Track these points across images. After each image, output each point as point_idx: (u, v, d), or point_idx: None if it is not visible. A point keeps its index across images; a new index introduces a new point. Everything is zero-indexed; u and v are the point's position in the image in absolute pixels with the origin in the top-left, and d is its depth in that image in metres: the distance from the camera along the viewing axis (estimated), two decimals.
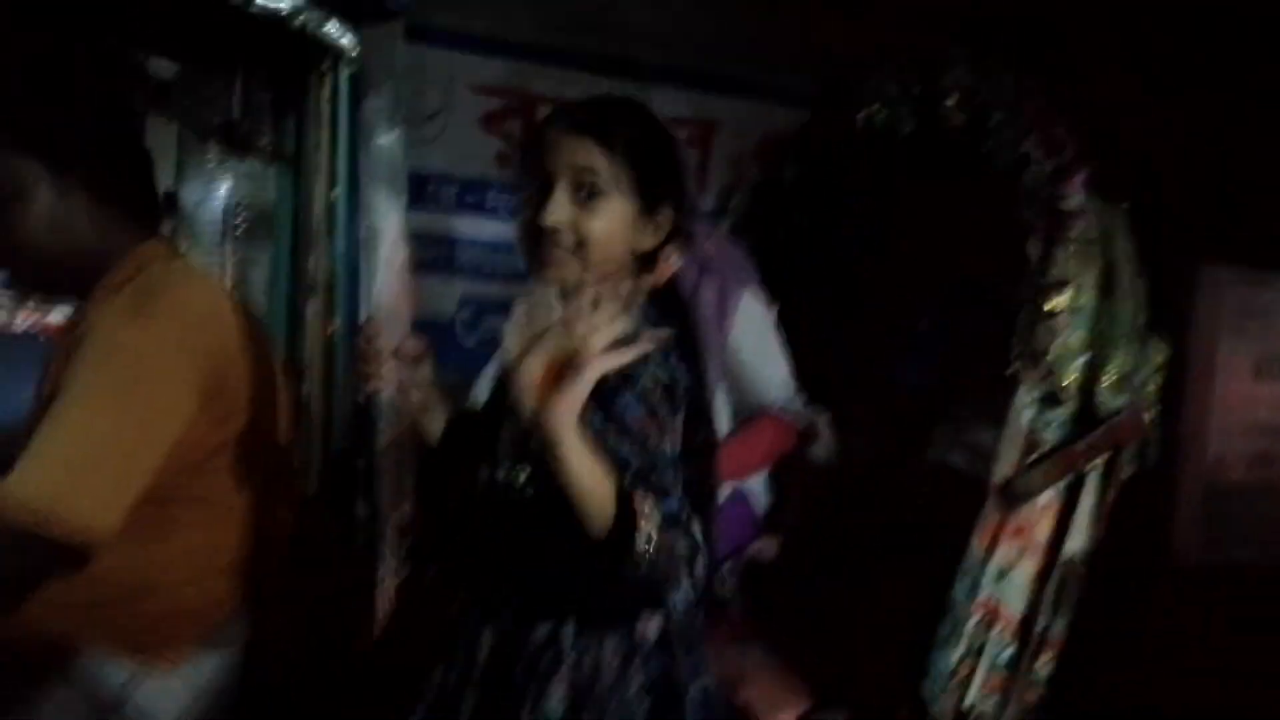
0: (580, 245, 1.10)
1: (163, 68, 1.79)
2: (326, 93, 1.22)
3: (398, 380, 1.01)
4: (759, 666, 1.49)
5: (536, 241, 1.11)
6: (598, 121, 1.13)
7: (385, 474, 1.01)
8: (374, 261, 0.98)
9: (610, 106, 1.17)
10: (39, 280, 1.32)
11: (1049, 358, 1.33)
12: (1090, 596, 1.33)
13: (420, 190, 3.12)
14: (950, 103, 1.54)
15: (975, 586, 1.26)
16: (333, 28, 0.97)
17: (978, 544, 1.27)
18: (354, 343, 1.04)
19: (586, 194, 1.10)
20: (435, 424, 1.24)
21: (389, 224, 0.99)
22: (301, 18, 0.94)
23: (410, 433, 1.03)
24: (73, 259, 1.25)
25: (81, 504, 1.10)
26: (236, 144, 1.52)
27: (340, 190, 1.21)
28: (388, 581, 1.03)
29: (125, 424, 1.14)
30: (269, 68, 1.44)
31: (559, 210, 1.09)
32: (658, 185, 1.16)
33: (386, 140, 0.99)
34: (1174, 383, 1.48)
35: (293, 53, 1.20)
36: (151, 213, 1.36)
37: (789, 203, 1.74)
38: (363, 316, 1.07)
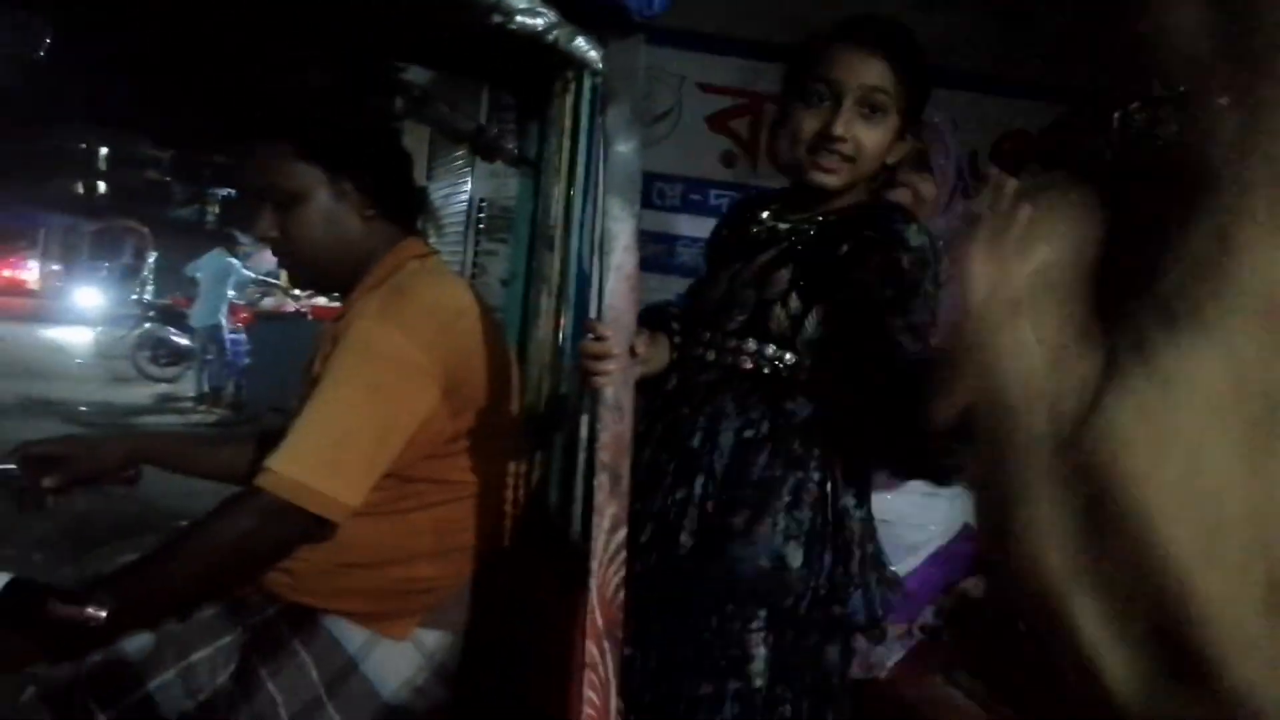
0: (857, 155, 1.26)
1: (418, 75, 1.96)
2: (570, 101, 1.29)
3: (621, 377, 1.06)
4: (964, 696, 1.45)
5: (809, 147, 1.26)
6: (889, 43, 1.27)
7: (602, 470, 1.06)
8: (606, 265, 1.04)
9: (894, 28, 1.30)
10: (314, 275, 1.48)
11: None
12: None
13: (646, 189, 3.23)
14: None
15: None
16: (581, 41, 1.02)
17: None
18: (580, 340, 1.11)
19: (870, 109, 1.25)
20: None
21: (623, 230, 1.04)
22: (554, 34, 1.00)
23: (630, 430, 1.08)
24: (343, 255, 1.41)
25: (333, 484, 1.23)
26: (484, 148, 1.63)
27: (577, 194, 1.28)
28: (597, 578, 1.07)
29: (374, 415, 1.28)
30: (516, 77, 1.55)
31: (847, 123, 1.23)
32: (918, 109, 1.31)
33: (625, 148, 1.04)
34: None
35: (539, 63, 1.27)
36: (410, 212, 1.50)
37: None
38: (591, 316, 1.13)
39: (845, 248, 1.29)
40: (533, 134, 1.58)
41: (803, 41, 1.35)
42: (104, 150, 24.51)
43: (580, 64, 1.06)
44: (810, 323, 1.29)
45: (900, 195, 1.67)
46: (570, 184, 1.31)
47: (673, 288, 3.24)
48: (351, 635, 1.36)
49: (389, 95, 1.62)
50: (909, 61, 1.27)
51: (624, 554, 1.10)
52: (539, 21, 0.99)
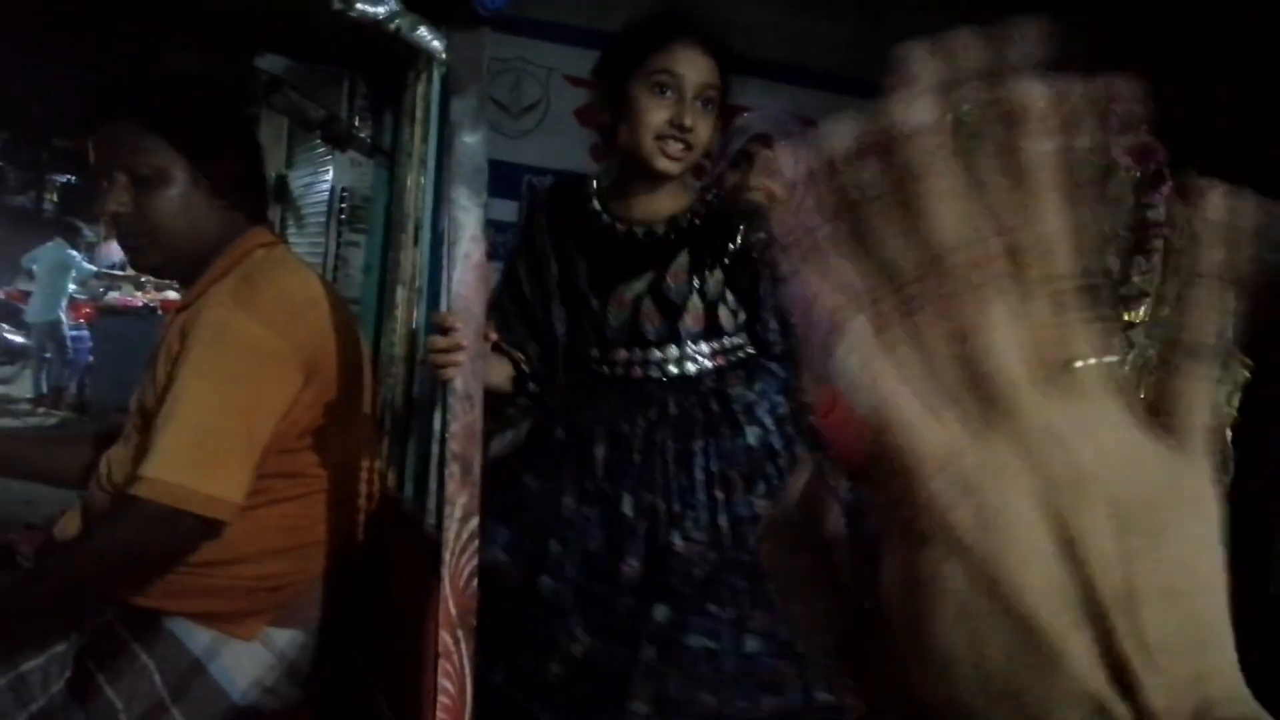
0: (695, 144, 1.40)
1: (274, 64, 1.91)
2: (422, 91, 1.29)
3: (470, 368, 1.07)
4: None
5: (656, 134, 1.38)
6: (721, 45, 1.41)
7: (453, 460, 1.07)
8: (453, 255, 1.05)
9: (721, 30, 1.43)
10: (159, 259, 1.42)
11: (1124, 370, 1.32)
12: None
13: (515, 181, 3.22)
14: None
15: None
16: (425, 31, 1.03)
17: None
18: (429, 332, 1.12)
19: (705, 103, 1.40)
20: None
21: (469, 219, 1.06)
22: (396, 22, 1.01)
23: (480, 420, 1.10)
24: (191, 240, 1.36)
25: (213, 483, 1.21)
26: (336, 137, 1.61)
27: (428, 185, 1.28)
28: (449, 567, 1.09)
29: (240, 406, 1.25)
30: (371, 67, 1.53)
31: (693, 115, 1.38)
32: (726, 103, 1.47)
33: (471, 139, 1.06)
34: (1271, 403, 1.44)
35: (392, 53, 1.27)
36: (259, 202, 1.47)
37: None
38: (442, 308, 1.14)
39: (730, 243, 1.45)
40: (387, 124, 1.57)
41: (632, 30, 1.45)
42: None
43: (428, 54, 1.06)
44: (739, 311, 1.47)
45: (756, 197, 1.75)
46: (423, 174, 1.31)
47: None
48: (197, 636, 1.33)
49: (242, 82, 1.58)
50: (731, 62, 1.42)
51: (476, 543, 1.12)
52: (380, 10, 0.99)
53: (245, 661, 1.34)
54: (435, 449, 1.25)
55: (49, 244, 7.76)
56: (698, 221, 1.46)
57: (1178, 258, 1.19)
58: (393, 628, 1.30)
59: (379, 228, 1.60)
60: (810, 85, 3.24)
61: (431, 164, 1.28)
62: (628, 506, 1.38)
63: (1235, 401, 1.42)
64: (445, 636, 1.10)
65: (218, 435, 1.24)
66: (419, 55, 1.18)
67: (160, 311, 6.91)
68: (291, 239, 4.52)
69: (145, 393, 1.34)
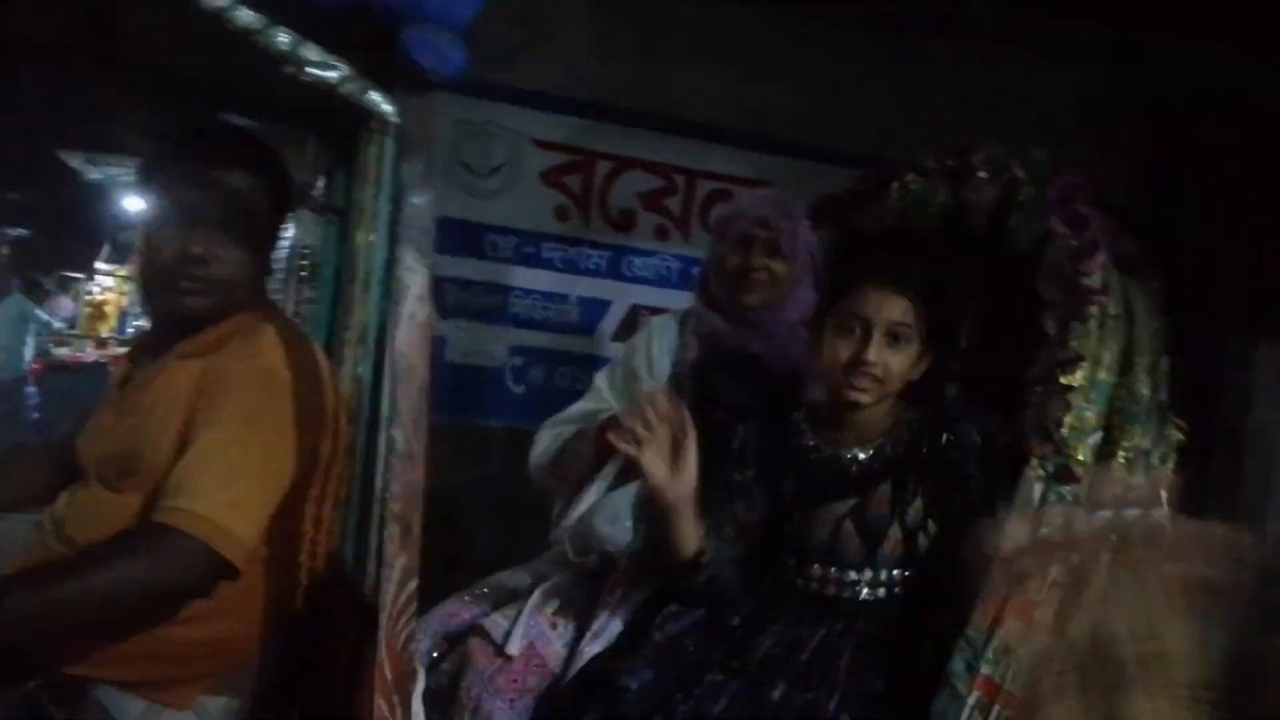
0: (885, 377, 1.48)
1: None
2: (374, 153, 1.33)
3: (413, 425, 1.09)
4: None
5: (844, 370, 1.48)
6: (912, 284, 1.48)
7: (393, 521, 1.08)
8: (398, 314, 1.07)
9: (918, 270, 1.50)
10: (213, 308, 1.40)
11: (1063, 432, 1.37)
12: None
13: (480, 240, 3.27)
14: (983, 175, 1.60)
15: (976, 661, 1.28)
16: (375, 96, 1.07)
17: (979, 618, 1.30)
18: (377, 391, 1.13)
19: (894, 338, 1.48)
20: None
21: (415, 280, 1.08)
22: (347, 87, 1.04)
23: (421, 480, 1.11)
24: (239, 293, 1.39)
25: (241, 524, 1.23)
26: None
27: (379, 243, 1.31)
28: (386, 630, 1.09)
29: (277, 453, 1.29)
30: (326, 129, 1.57)
31: (878, 351, 1.46)
32: (940, 330, 1.53)
33: (419, 201, 1.09)
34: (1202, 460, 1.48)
35: (345, 115, 1.31)
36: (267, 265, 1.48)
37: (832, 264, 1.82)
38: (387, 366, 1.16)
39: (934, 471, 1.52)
40: (340, 183, 1.61)
41: (830, 273, 1.64)
42: None
43: (379, 117, 1.10)
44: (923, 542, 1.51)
45: (759, 277, 1.87)
46: (373, 232, 1.34)
47: (505, 339, 3.30)
48: (126, 706, 1.31)
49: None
50: (928, 296, 1.50)
51: (414, 605, 1.12)
52: (331, 74, 1.03)
53: None
54: (376, 509, 1.25)
55: (8, 298, 7.65)
56: (901, 450, 1.54)
57: (1116, 323, 1.25)
58: (328, 693, 1.28)
59: (328, 284, 1.61)
60: (769, 151, 3.35)
61: (383, 224, 1.31)
62: (776, 694, 1.42)
63: (1170, 462, 1.48)
64: (380, 703, 1.10)
65: (250, 479, 1.26)
66: (371, 117, 1.21)
67: (110, 367, 6.80)
68: None
69: (137, 441, 1.33)
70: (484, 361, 3.27)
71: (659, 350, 1.96)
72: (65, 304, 12.53)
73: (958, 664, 1.30)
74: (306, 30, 1.01)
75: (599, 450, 1.82)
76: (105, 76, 1.51)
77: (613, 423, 1.72)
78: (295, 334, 1.43)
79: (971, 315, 1.71)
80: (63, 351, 8.27)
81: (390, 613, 1.10)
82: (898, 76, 3.25)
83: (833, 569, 1.52)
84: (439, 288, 3.18)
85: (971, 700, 1.28)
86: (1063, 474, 1.37)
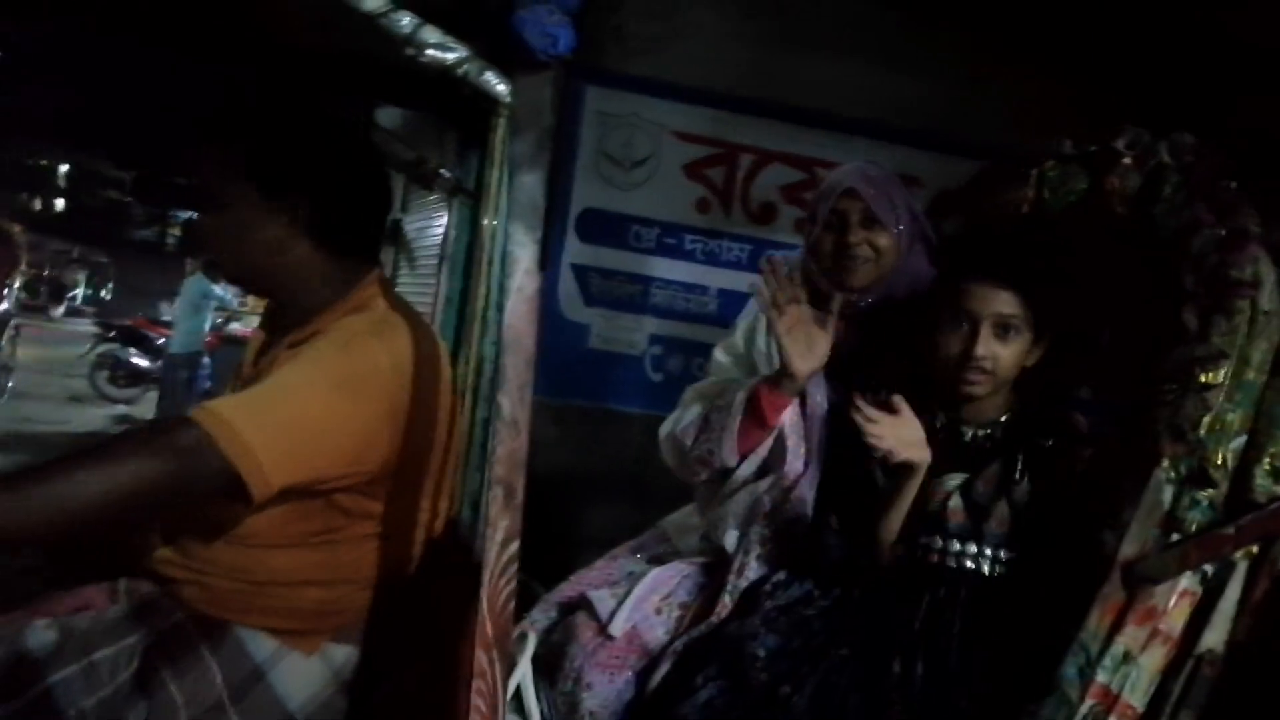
0: (995, 369, 1.55)
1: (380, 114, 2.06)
2: (500, 134, 1.39)
3: (519, 395, 1.13)
4: None
5: (955, 364, 1.56)
6: (1018, 276, 1.53)
7: (497, 484, 1.13)
8: (508, 288, 1.12)
9: (1023, 262, 1.56)
10: (245, 279, 1.52)
11: (1199, 433, 1.29)
12: (1232, 698, 1.24)
13: (623, 231, 3.36)
14: (1127, 161, 1.52)
15: (1090, 667, 1.22)
16: (491, 76, 1.12)
17: (1096, 622, 1.24)
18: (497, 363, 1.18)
19: (1003, 330, 1.54)
20: None
21: (524, 254, 1.13)
22: (464, 68, 1.10)
23: (525, 447, 1.15)
24: (284, 273, 1.45)
25: (268, 448, 1.22)
26: (422, 178, 1.74)
27: (501, 221, 1.37)
28: (488, 589, 1.13)
29: (333, 413, 1.31)
30: (457, 113, 1.66)
31: (985, 343, 1.53)
32: (1050, 318, 1.60)
33: (530, 178, 1.13)
34: None
35: (474, 99, 1.37)
36: (373, 248, 1.54)
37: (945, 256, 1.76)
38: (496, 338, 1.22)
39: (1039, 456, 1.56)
40: (473, 166, 1.69)
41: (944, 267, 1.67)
42: (64, 168, 24.62)
43: (498, 98, 1.16)
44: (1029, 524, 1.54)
45: (860, 253, 1.78)
46: (495, 212, 1.40)
47: (645, 328, 3.37)
48: (261, 645, 1.42)
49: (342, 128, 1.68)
50: (1039, 288, 1.55)
51: (515, 566, 1.17)
52: (449, 56, 1.09)
53: (303, 674, 1.43)
54: (486, 475, 1.31)
55: (191, 278, 8.34)
56: (1013, 433, 1.59)
57: (1271, 320, 1.19)
58: (441, 647, 1.36)
59: (459, 262, 1.70)
60: (912, 144, 3.27)
61: (503, 203, 1.37)
62: (896, 665, 1.46)
63: None
64: (481, 656, 1.16)
65: (302, 425, 1.27)
66: (489, 99, 1.27)
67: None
68: (403, 280, 4.78)
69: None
70: (625, 349, 3.37)
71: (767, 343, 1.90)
72: None
73: (1069, 668, 1.25)
74: (427, 14, 1.08)
75: (746, 428, 1.75)
76: (258, 68, 1.64)
77: (759, 388, 1.71)
78: (417, 324, 1.46)
79: (1105, 306, 1.63)
80: (234, 326, 8.96)
81: (492, 572, 1.15)
82: (1036, 67, 3.11)
83: (938, 539, 1.55)
84: (583, 277, 3.30)
85: (1085, 709, 1.23)
86: (1197, 478, 1.29)
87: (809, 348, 1.61)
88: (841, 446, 1.62)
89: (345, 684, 1.45)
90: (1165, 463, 1.30)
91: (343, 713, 1.44)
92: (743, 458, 1.76)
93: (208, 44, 1.59)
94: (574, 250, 3.27)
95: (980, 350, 1.53)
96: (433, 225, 4.43)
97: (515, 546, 1.17)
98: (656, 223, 3.46)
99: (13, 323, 8.35)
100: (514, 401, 1.15)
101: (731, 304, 3.36)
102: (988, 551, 1.53)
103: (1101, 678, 1.23)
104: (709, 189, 3.47)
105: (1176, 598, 1.22)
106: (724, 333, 3.46)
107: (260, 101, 1.55)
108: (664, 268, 3.44)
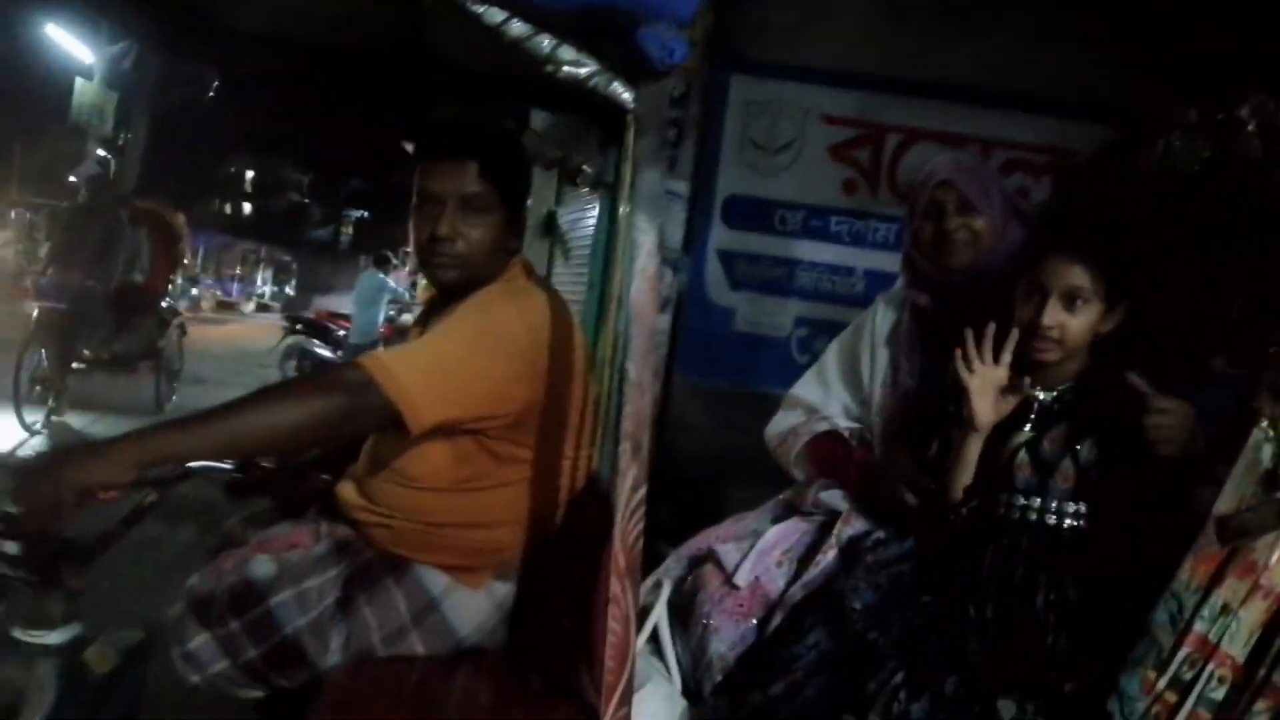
0: (1063, 338, 1.66)
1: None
2: (632, 134, 1.58)
3: (644, 360, 1.32)
4: None
5: (1025, 334, 1.67)
6: (1085, 248, 1.62)
7: (625, 439, 1.32)
8: (631, 270, 1.31)
9: (1092, 235, 1.65)
10: (463, 277, 1.72)
11: None
12: None
13: (769, 215, 3.46)
14: (1250, 128, 1.55)
15: (1183, 616, 1.29)
16: (618, 86, 1.31)
17: (1189, 573, 1.30)
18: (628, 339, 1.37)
19: (1071, 300, 1.65)
20: None
21: (646, 240, 1.31)
22: (595, 80, 1.30)
23: (650, 407, 1.34)
24: (488, 264, 1.72)
25: (420, 395, 1.46)
26: (567, 173, 1.96)
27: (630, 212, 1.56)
28: (620, 528, 1.31)
29: (474, 359, 1.55)
30: (599, 116, 1.87)
31: (1053, 314, 1.65)
32: (1121, 287, 1.69)
33: (650, 173, 1.32)
34: None
35: (610, 105, 1.57)
36: (520, 236, 1.82)
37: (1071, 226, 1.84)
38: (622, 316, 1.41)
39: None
40: (611, 161, 1.89)
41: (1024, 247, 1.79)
42: (250, 174, 26.89)
43: (620, 104, 1.34)
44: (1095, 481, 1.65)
45: (959, 237, 1.94)
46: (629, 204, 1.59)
47: (791, 310, 3.46)
48: (436, 580, 1.70)
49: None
50: (1105, 258, 1.63)
51: (643, 509, 1.36)
52: (582, 70, 1.29)
53: (471, 606, 1.70)
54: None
55: (366, 273, 9.00)
56: (1081, 397, 1.69)
57: None
58: (585, 583, 1.58)
59: (600, 250, 1.91)
60: (1065, 116, 3.23)
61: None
62: (972, 610, 1.60)
63: None
64: (615, 584, 1.35)
65: (448, 368, 1.50)
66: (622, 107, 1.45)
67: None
68: (558, 269, 5.07)
69: None
70: (770, 332, 3.44)
71: (880, 327, 2.09)
72: (404, 275, 14.54)
73: (1161, 614, 1.32)
74: (563, 33, 1.28)
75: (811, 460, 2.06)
76: (424, 78, 1.90)
77: (823, 438, 2.01)
78: (551, 295, 1.72)
79: (1199, 274, 1.66)
80: (405, 318, 9.60)
81: (624, 513, 1.34)
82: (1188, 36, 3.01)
83: (1004, 494, 1.66)
84: (730, 262, 3.41)
85: (1181, 655, 1.30)
86: None
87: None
88: (925, 410, 1.76)
89: (506, 617, 1.70)
90: (1264, 422, 1.35)
91: (502, 640, 1.69)
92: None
93: (389, 75, 1.87)
94: (720, 236, 3.38)
95: (1047, 320, 1.64)
96: (586, 218, 4.71)
97: (643, 491, 1.36)
98: (802, 206, 3.50)
99: (176, 321, 8.53)
100: (639, 366, 1.34)
101: (878, 285, 3.38)
102: (1053, 505, 1.64)
103: (1199, 627, 1.30)
104: (856, 170, 3.50)
105: (1278, 554, 1.27)
106: None
107: (479, 121, 1.81)
108: (809, 250, 3.47)
